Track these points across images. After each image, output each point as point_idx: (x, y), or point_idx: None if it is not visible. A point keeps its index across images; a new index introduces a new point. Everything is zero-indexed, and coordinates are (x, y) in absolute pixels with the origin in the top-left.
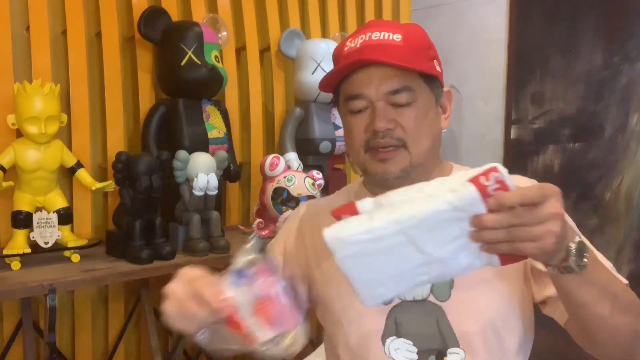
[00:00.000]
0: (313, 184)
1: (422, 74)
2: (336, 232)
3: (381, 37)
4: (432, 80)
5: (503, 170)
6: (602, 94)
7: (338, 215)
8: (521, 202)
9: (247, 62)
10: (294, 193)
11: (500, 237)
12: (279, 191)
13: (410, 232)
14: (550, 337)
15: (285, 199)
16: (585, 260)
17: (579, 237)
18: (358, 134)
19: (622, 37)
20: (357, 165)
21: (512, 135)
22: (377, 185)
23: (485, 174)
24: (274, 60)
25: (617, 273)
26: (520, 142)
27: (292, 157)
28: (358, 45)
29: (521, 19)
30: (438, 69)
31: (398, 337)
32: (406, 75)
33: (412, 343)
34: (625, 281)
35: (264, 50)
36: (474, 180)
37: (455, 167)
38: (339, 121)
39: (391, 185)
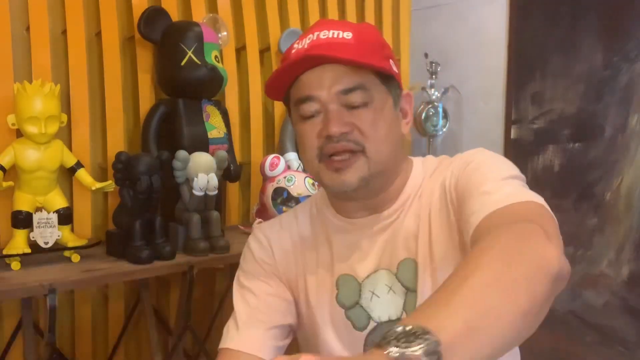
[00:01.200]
0: (313, 184)
1: (378, 73)
2: None
3: (330, 36)
4: (389, 80)
5: None
6: (602, 94)
7: None
8: None
9: (247, 62)
10: (294, 193)
11: None
12: (279, 191)
13: None
14: (551, 337)
15: (285, 199)
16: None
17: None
18: (310, 141)
19: (622, 37)
20: (311, 174)
21: (512, 135)
22: (335, 197)
23: None
24: (274, 60)
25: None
26: (520, 142)
27: (292, 157)
28: (306, 46)
29: (521, 19)
30: (395, 69)
31: None
32: (360, 74)
33: None
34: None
35: (264, 50)
36: None
37: (415, 163)
38: None
39: (349, 197)
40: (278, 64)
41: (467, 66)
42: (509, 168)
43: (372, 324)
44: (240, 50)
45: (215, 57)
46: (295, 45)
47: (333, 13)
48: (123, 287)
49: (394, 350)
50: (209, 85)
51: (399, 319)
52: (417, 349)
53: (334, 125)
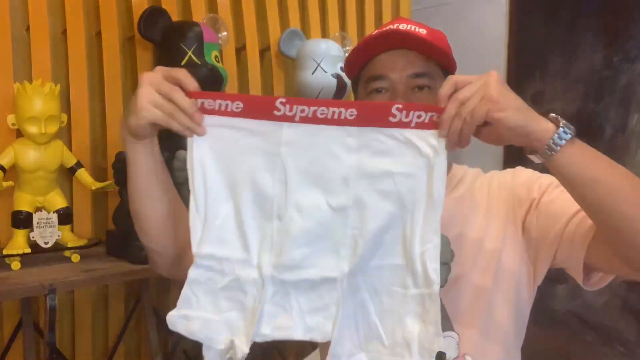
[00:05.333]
0: None
1: (441, 67)
2: None
3: (407, 28)
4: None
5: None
6: (602, 94)
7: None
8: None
9: (247, 62)
10: None
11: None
12: None
13: None
14: (550, 337)
15: None
16: (569, 131)
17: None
18: None
19: (622, 37)
20: None
21: None
22: None
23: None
24: (274, 60)
25: None
26: None
27: None
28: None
29: (521, 19)
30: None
31: None
32: (428, 64)
33: None
34: None
35: (264, 50)
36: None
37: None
38: None
39: None
40: (278, 63)
41: (467, 66)
42: None
43: None
44: (240, 50)
45: (215, 57)
46: (374, 34)
47: (333, 13)
48: (123, 287)
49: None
50: (209, 85)
51: None
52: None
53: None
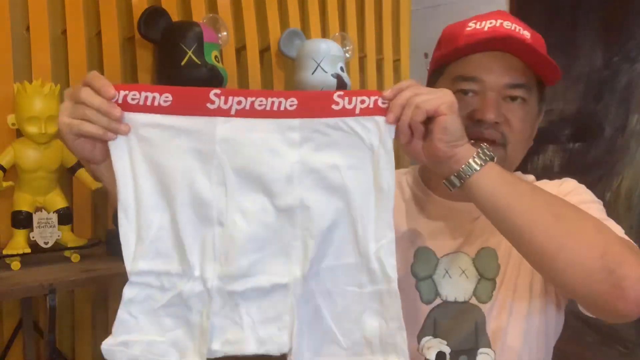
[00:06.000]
0: None
1: (538, 80)
2: None
3: (512, 28)
4: (543, 92)
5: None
6: (602, 94)
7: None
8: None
9: (247, 62)
10: None
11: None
12: None
13: None
14: None
15: None
16: (487, 157)
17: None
18: None
19: (622, 37)
20: None
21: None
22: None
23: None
24: (274, 60)
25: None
26: None
27: None
28: (486, 29)
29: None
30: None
31: (434, 337)
32: (527, 74)
33: (446, 343)
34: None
35: (264, 50)
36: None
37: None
38: None
39: None
40: (278, 63)
41: None
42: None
43: (438, 300)
44: (240, 50)
45: (215, 57)
46: (471, 24)
47: (333, 13)
48: (123, 287)
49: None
50: (209, 85)
51: (465, 302)
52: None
53: (491, 112)
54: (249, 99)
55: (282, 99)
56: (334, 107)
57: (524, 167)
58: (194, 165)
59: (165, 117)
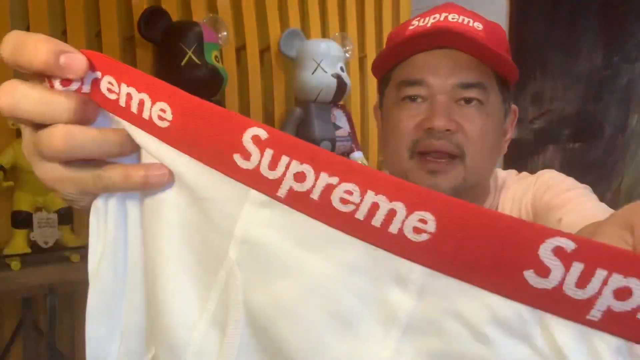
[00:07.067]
0: None
1: (498, 77)
2: None
3: (459, 21)
4: (505, 90)
5: None
6: (602, 94)
7: None
8: None
9: (247, 62)
10: None
11: None
12: None
13: None
14: None
15: None
16: None
17: None
18: (406, 130)
19: (622, 37)
20: (395, 173)
21: (512, 135)
22: None
23: None
24: (274, 60)
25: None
26: (520, 142)
27: None
28: (429, 25)
29: (521, 19)
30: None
31: None
32: (481, 71)
33: None
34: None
35: (264, 50)
36: None
37: (499, 174)
38: (339, 121)
39: None
40: (278, 63)
41: None
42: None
43: None
44: (240, 50)
45: (215, 57)
46: (415, 22)
47: (333, 13)
48: None
49: None
50: (209, 85)
51: None
52: None
53: (439, 119)
54: (323, 179)
55: (401, 207)
56: (534, 278)
57: (524, 168)
58: (182, 267)
59: (159, 146)
